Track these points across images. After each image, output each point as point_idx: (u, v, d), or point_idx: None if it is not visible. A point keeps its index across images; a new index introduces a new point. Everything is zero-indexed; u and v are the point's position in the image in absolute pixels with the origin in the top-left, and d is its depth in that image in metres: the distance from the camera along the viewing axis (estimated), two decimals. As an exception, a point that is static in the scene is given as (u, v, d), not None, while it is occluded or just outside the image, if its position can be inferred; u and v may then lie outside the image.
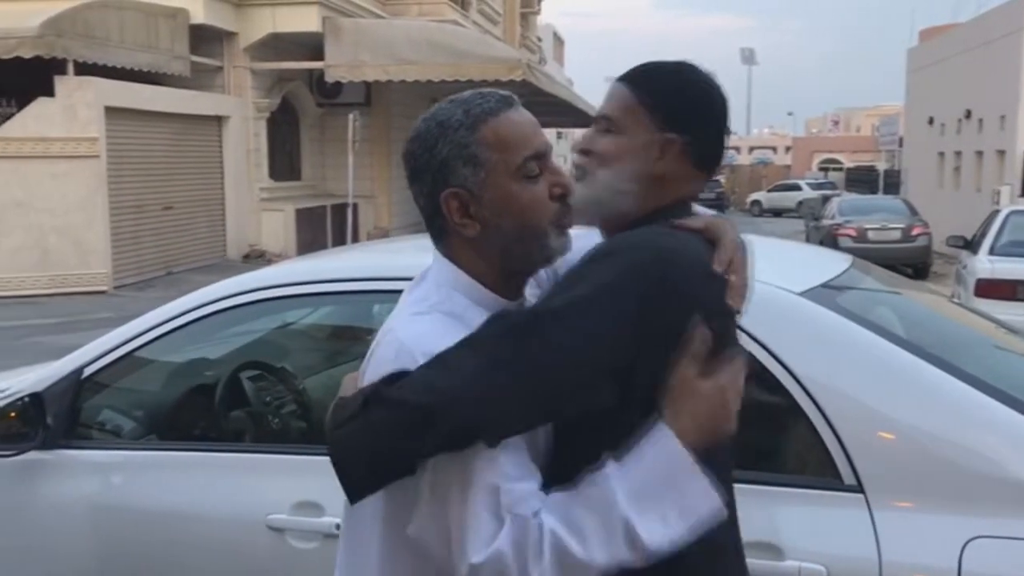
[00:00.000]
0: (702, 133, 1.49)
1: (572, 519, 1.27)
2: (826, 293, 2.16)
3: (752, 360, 1.93)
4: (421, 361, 1.32)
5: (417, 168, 1.45)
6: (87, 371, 2.59)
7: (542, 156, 1.43)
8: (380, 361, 1.38)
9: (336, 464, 1.32)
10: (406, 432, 1.27)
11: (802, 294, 2.08)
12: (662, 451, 1.28)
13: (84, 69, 13.59)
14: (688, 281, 1.34)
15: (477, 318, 1.37)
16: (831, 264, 2.50)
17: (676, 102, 1.48)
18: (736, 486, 1.76)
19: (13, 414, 2.53)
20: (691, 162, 1.48)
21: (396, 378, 1.31)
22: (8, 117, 13.58)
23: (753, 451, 2.07)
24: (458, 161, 1.40)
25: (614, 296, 1.30)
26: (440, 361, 1.29)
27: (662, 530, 1.27)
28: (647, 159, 1.47)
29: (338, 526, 2.18)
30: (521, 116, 1.44)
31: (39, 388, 2.55)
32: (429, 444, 1.27)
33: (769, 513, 1.89)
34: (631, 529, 1.26)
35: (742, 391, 1.35)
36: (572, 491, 1.30)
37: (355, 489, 1.34)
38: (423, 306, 1.43)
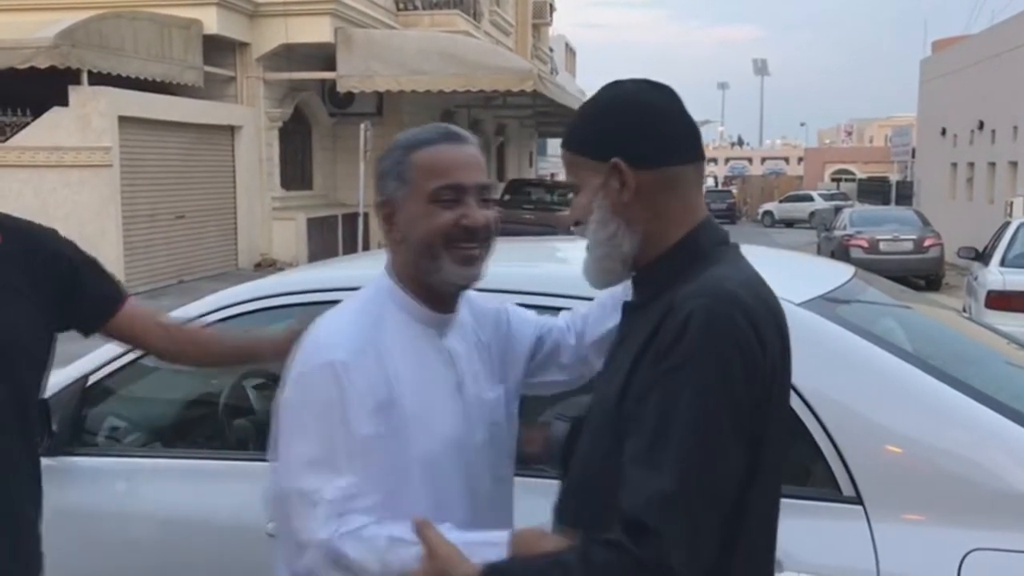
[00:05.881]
0: (638, 135, 1.42)
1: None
2: (826, 304, 2.16)
3: None
4: (326, 359, 1.48)
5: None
6: (92, 378, 2.60)
7: (460, 188, 1.56)
8: (300, 354, 1.54)
9: None
10: None
11: (801, 305, 2.08)
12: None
13: (98, 79, 13.70)
14: (768, 320, 1.37)
15: (395, 319, 1.58)
16: (832, 275, 2.50)
17: (594, 130, 1.46)
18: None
19: (19, 421, 2.54)
20: (660, 166, 1.42)
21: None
22: (23, 126, 13.69)
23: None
24: (392, 175, 1.60)
25: (719, 391, 1.29)
26: None
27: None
28: (612, 194, 1.43)
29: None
30: (455, 151, 1.59)
31: (45, 395, 2.56)
32: None
33: (767, 524, 1.89)
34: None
35: None
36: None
37: None
38: (353, 299, 1.63)
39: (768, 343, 1.35)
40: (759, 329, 1.33)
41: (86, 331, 2.06)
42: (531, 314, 1.85)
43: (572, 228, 1.53)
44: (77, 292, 1.97)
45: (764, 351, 1.33)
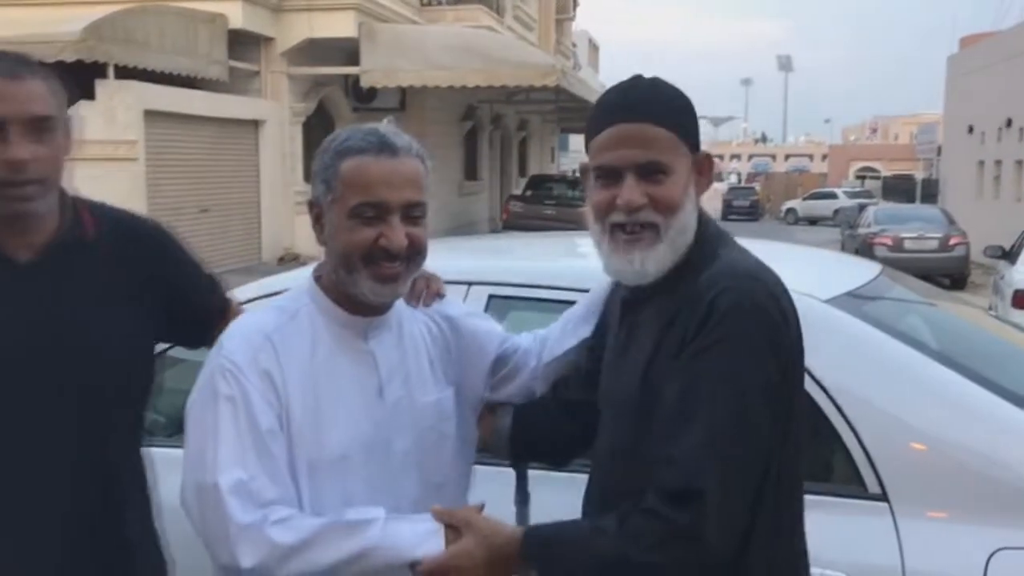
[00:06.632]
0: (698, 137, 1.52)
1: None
2: (852, 301, 2.15)
3: None
4: (223, 359, 1.50)
5: None
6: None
7: (382, 207, 1.51)
8: (212, 351, 1.56)
9: None
10: None
11: (828, 301, 2.07)
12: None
13: (124, 73, 13.81)
14: (786, 297, 1.44)
15: (311, 319, 1.57)
16: (859, 272, 2.49)
17: (692, 120, 1.50)
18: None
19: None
20: None
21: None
22: (50, 120, 13.82)
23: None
24: (320, 178, 1.57)
25: (752, 366, 1.35)
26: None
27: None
28: (700, 185, 1.51)
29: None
30: (382, 165, 1.53)
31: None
32: None
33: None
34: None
35: None
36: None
37: None
38: (279, 297, 1.65)
39: (789, 318, 1.42)
40: (781, 305, 1.41)
41: (193, 345, 1.93)
42: (498, 329, 1.82)
43: (630, 214, 1.45)
44: (180, 301, 1.77)
45: (787, 326, 1.41)
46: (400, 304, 1.66)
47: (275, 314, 1.59)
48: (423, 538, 1.45)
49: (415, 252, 1.56)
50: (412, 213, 1.54)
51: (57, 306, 1.65)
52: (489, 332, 1.79)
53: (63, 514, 1.68)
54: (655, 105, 1.46)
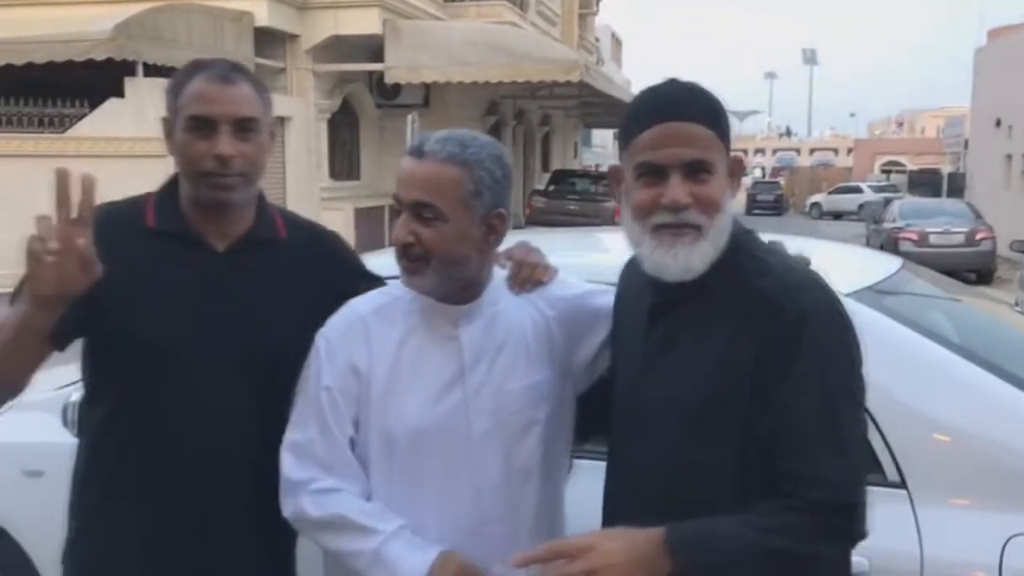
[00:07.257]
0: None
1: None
2: (874, 295, 2.20)
3: None
4: (320, 335, 1.68)
5: None
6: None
7: (400, 202, 1.62)
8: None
9: None
10: None
11: (849, 295, 2.11)
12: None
13: (153, 71, 13.95)
14: None
15: (408, 304, 1.68)
16: (880, 266, 2.53)
17: (727, 123, 1.51)
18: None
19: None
20: None
21: None
22: (81, 117, 14.02)
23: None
24: None
25: (856, 375, 1.45)
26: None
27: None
28: (734, 186, 1.53)
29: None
30: (407, 164, 1.62)
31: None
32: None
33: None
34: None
35: None
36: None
37: None
38: (392, 283, 1.76)
39: None
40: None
41: None
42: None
43: (676, 214, 1.45)
44: None
45: None
46: (502, 291, 1.73)
47: (378, 297, 1.74)
48: (411, 566, 1.55)
49: (425, 251, 1.60)
50: (422, 213, 1.60)
51: (249, 298, 1.76)
52: (599, 312, 1.77)
53: (243, 502, 1.75)
54: (698, 105, 1.47)
